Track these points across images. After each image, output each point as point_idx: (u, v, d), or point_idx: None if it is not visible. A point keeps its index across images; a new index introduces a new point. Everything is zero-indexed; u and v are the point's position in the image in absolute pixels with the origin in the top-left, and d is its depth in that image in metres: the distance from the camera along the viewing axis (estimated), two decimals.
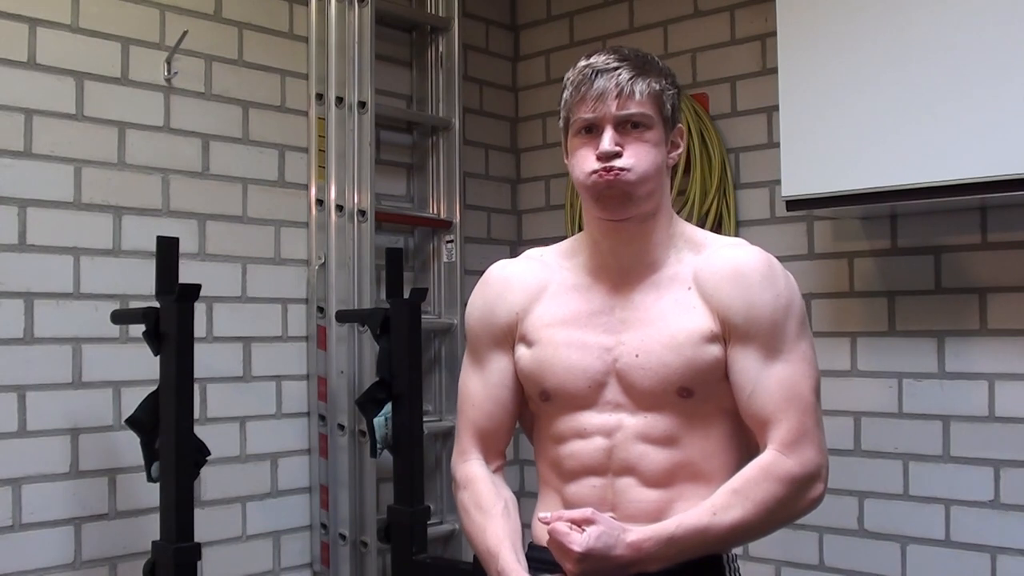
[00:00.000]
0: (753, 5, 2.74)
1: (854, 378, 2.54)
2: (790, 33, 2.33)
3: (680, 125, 1.62)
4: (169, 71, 2.41)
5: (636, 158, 1.51)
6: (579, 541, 1.39)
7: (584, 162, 1.53)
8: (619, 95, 1.51)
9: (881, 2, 2.20)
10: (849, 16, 2.24)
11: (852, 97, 2.23)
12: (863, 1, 2.22)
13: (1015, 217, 2.32)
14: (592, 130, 1.53)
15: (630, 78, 1.51)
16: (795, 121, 2.32)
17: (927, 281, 2.44)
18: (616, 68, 1.52)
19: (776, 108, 2.39)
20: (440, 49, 3.00)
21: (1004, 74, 2.04)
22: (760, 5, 2.71)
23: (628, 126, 1.52)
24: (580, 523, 1.41)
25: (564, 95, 1.58)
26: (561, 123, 1.61)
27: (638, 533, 1.42)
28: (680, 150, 1.62)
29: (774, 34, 2.38)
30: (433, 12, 2.99)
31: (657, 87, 1.53)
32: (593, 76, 1.52)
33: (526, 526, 1.62)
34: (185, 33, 2.40)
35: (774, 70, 2.39)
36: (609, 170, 1.50)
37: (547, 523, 1.43)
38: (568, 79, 1.57)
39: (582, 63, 1.56)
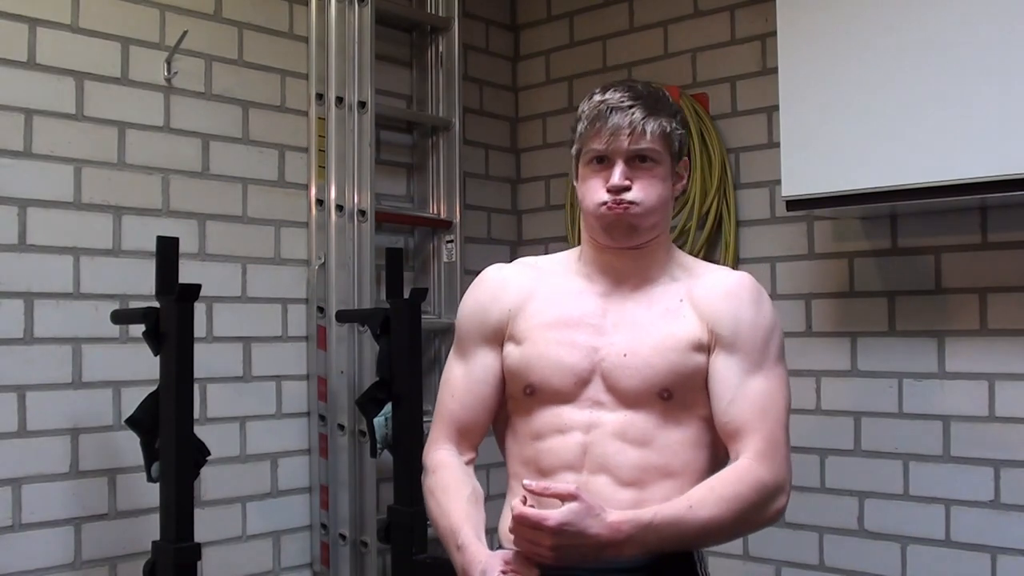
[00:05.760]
0: (753, 5, 2.74)
1: (854, 378, 2.54)
2: (790, 33, 2.33)
3: (685, 158, 1.70)
4: (169, 71, 2.41)
5: (644, 192, 1.60)
6: (553, 515, 1.41)
7: (595, 192, 1.62)
8: (632, 133, 1.59)
9: (881, 2, 2.20)
10: (849, 16, 2.24)
11: (852, 97, 2.23)
12: (863, 1, 2.22)
13: (1015, 217, 2.32)
14: (603, 161, 1.62)
15: (643, 118, 1.59)
16: (795, 121, 2.32)
17: (927, 281, 2.44)
18: (630, 106, 1.60)
19: (776, 108, 2.39)
20: (440, 49, 3.00)
21: (1004, 74, 2.04)
22: (760, 5, 2.71)
23: (637, 160, 1.60)
24: (563, 498, 1.43)
25: (579, 127, 1.65)
26: (573, 152, 1.68)
27: (618, 514, 1.45)
28: (684, 182, 1.71)
29: (774, 34, 2.38)
30: (433, 12, 2.99)
31: (667, 127, 1.62)
32: (608, 112, 1.60)
33: (493, 529, 1.62)
34: (185, 33, 2.40)
35: (774, 70, 2.39)
36: (619, 203, 1.59)
37: (531, 490, 1.46)
38: (583, 112, 1.65)
39: (597, 98, 1.64)
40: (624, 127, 1.58)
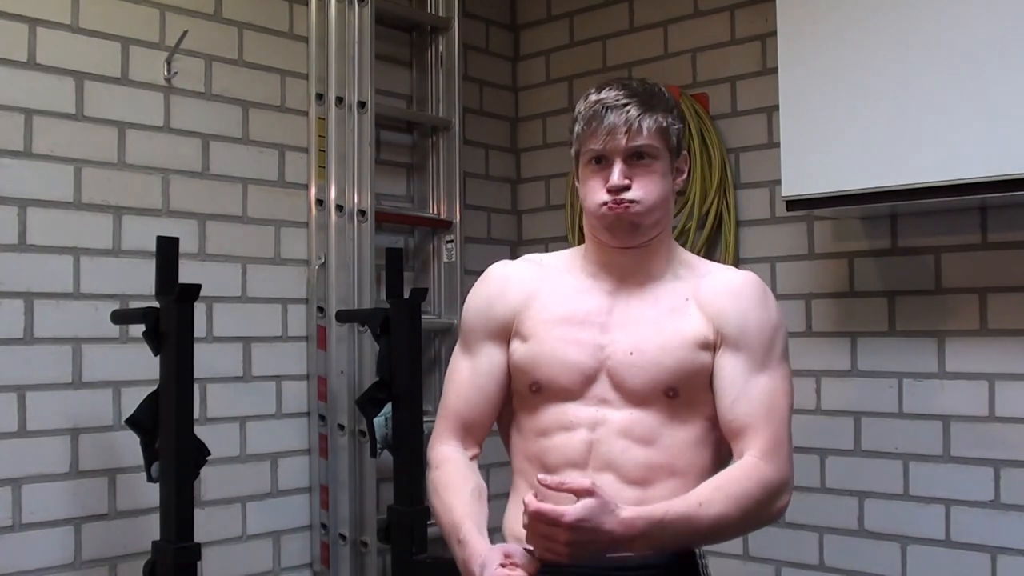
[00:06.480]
0: (753, 5, 2.74)
1: (854, 378, 2.54)
2: (790, 33, 2.33)
3: (685, 152, 1.69)
4: (169, 71, 2.41)
5: (644, 190, 1.60)
6: (571, 512, 1.40)
7: (595, 193, 1.62)
8: (628, 131, 1.58)
9: (881, 2, 2.20)
10: (849, 16, 2.24)
11: (852, 97, 2.23)
12: (863, 1, 2.22)
13: (1015, 217, 2.32)
14: (602, 161, 1.62)
15: (639, 114, 1.59)
16: (795, 121, 2.32)
17: (927, 281, 2.44)
18: (625, 104, 1.60)
19: (776, 108, 2.39)
20: (440, 49, 3.00)
21: (1004, 74, 2.04)
22: (760, 5, 2.71)
23: (636, 158, 1.60)
24: (579, 493, 1.43)
25: (576, 128, 1.65)
26: (572, 153, 1.68)
27: (631, 511, 1.45)
28: (684, 176, 1.70)
29: (774, 34, 2.38)
30: (433, 12, 2.99)
31: (664, 123, 1.61)
32: (603, 112, 1.60)
33: (496, 529, 1.62)
34: (185, 33, 2.40)
35: (774, 70, 2.39)
36: (619, 203, 1.59)
37: (546, 485, 1.45)
38: (579, 112, 1.65)
39: (593, 97, 1.64)
40: (620, 125, 1.58)
